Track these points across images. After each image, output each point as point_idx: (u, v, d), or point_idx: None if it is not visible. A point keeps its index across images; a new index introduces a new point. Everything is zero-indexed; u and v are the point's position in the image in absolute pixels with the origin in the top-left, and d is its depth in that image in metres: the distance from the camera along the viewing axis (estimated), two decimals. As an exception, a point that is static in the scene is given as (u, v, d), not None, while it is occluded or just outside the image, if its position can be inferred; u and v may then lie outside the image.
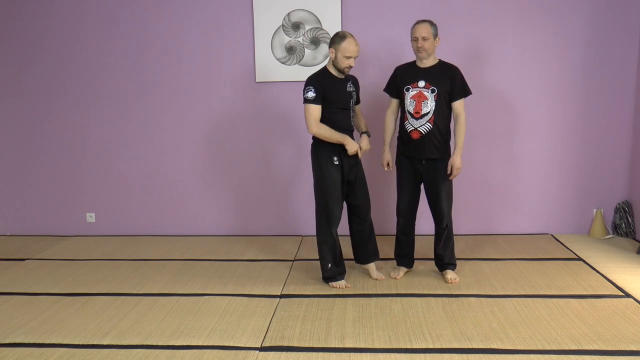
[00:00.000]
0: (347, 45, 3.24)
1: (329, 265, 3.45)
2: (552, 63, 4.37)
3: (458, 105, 3.39)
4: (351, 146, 3.33)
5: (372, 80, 4.29)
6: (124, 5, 4.52)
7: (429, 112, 3.36)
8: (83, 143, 4.74)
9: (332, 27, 4.37)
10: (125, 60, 4.60)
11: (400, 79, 3.48)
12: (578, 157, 4.48)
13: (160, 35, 4.54)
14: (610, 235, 4.47)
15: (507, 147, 4.49)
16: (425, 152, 3.42)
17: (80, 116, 4.71)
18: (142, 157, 4.72)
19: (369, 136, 3.51)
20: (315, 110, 3.28)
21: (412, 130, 3.41)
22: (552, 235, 4.54)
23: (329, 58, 3.37)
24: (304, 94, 3.30)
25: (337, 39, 3.28)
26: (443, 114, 3.39)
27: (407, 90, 3.42)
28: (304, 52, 4.43)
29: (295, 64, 4.45)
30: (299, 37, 4.42)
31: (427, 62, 3.40)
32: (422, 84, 3.38)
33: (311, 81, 3.32)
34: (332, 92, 3.31)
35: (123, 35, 4.56)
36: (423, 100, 3.36)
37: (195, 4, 4.48)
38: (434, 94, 3.35)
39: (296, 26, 4.41)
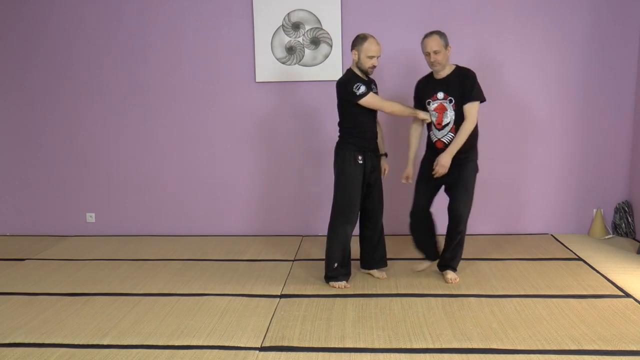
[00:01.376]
0: (369, 46, 3.29)
1: (336, 264, 3.45)
2: (551, 63, 4.37)
3: (466, 108, 3.31)
4: (424, 114, 3.42)
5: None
6: (124, 5, 4.52)
7: (449, 122, 3.38)
8: (83, 143, 4.74)
9: (332, 27, 4.37)
10: (125, 61, 4.60)
11: (422, 93, 3.51)
12: (578, 157, 4.48)
13: (159, 35, 4.54)
14: (610, 235, 4.47)
15: (506, 147, 4.49)
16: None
17: (80, 116, 4.71)
18: (142, 157, 4.72)
19: (386, 156, 3.63)
20: (375, 96, 3.35)
21: (436, 140, 3.46)
22: (552, 235, 4.54)
23: (352, 61, 3.40)
24: (356, 93, 3.29)
25: (358, 41, 3.32)
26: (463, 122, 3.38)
27: (429, 103, 3.46)
28: (304, 52, 4.43)
29: (295, 64, 4.45)
30: (299, 37, 4.42)
31: (443, 73, 3.40)
32: (441, 95, 3.40)
33: (349, 80, 3.33)
34: None
35: (123, 35, 4.57)
36: (444, 111, 3.39)
37: (195, 4, 4.48)
38: (451, 104, 3.36)
39: (296, 26, 4.41)
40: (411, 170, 3.61)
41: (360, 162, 3.40)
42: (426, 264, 3.71)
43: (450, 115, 3.37)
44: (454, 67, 3.41)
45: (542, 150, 4.48)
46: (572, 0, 4.29)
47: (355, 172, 3.39)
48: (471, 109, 3.31)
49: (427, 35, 3.35)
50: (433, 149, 3.49)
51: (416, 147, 3.62)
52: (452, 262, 3.55)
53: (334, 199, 3.47)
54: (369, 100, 3.32)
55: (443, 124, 3.40)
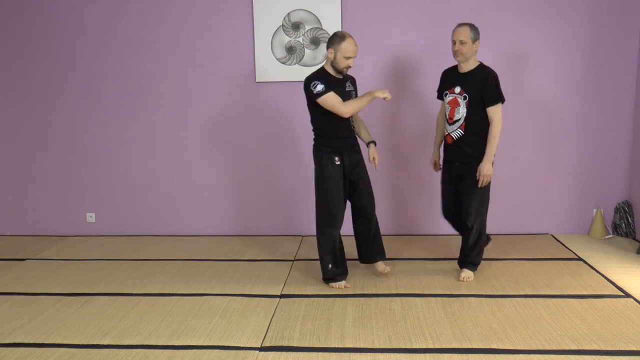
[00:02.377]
0: (347, 46, 3.23)
1: (329, 265, 3.44)
2: (551, 63, 4.36)
3: (490, 111, 3.34)
4: (381, 92, 3.28)
5: (371, 81, 4.29)
6: (124, 5, 4.52)
7: (460, 118, 3.39)
8: (83, 143, 4.74)
9: (332, 27, 4.37)
10: (126, 61, 4.60)
11: (443, 83, 3.53)
12: (578, 157, 4.48)
13: (160, 35, 4.54)
14: (610, 235, 4.47)
15: (506, 147, 4.48)
16: (457, 156, 3.46)
17: (81, 116, 4.71)
18: (142, 157, 4.72)
19: (375, 144, 3.53)
20: (333, 96, 3.23)
21: (447, 135, 3.48)
22: (552, 235, 4.54)
23: (326, 58, 3.35)
24: (313, 91, 3.23)
25: (336, 39, 3.26)
26: (474, 121, 3.37)
27: (446, 95, 3.47)
28: (304, 52, 4.43)
29: (295, 64, 4.45)
30: (299, 37, 4.42)
31: (466, 67, 3.39)
32: (457, 89, 3.40)
33: (312, 78, 3.29)
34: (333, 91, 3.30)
35: (123, 35, 4.56)
36: (456, 106, 3.39)
37: (195, 4, 4.48)
38: (465, 101, 3.36)
39: (296, 26, 4.41)
40: (437, 155, 3.63)
41: (338, 163, 3.35)
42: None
43: (462, 112, 3.37)
44: (478, 63, 3.41)
45: (542, 150, 4.48)
46: (572, 1, 4.29)
47: (334, 173, 3.34)
48: (495, 111, 3.34)
49: (458, 25, 3.36)
50: (445, 143, 3.53)
51: (442, 133, 3.60)
52: (468, 258, 3.55)
53: (316, 202, 3.44)
54: (326, 101, 3.23)
55: (454, 119, 3.40)
